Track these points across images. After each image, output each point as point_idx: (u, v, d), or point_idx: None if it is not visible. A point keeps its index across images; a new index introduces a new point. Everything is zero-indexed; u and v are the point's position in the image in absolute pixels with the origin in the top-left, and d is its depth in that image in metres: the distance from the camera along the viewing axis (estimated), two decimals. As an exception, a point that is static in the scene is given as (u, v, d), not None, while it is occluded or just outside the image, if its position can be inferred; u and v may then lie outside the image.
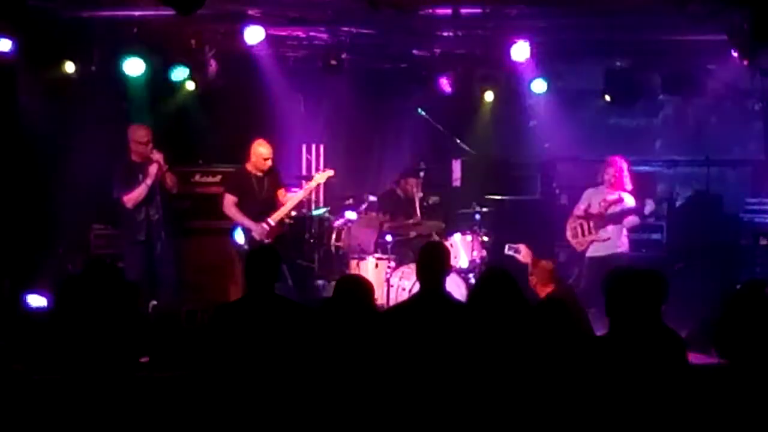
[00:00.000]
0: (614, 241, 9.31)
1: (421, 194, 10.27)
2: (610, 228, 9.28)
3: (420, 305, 5.38)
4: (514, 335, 4.75)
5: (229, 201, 9.09)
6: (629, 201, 9.31)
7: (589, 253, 9.39)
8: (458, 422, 4.68)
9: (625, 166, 9.38)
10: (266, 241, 8.95)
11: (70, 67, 9.62)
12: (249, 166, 9.12)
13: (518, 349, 4.73)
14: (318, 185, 9.94)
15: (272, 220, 9.08)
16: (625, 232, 9.38)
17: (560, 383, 4.66)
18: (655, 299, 4.70)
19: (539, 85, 10.97)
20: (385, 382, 4.98)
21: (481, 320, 4.78)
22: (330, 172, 9.57)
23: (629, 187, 9.36)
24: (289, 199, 9.32)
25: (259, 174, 9.10)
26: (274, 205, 9.21)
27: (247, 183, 9.10)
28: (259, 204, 9.11)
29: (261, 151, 9.08)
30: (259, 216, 9.04)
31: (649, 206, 9.27)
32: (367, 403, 4.94)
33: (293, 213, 9.84)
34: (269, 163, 9.13)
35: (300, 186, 9.77)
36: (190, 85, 10.57)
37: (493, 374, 4.70)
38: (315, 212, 10.91)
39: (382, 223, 10.25)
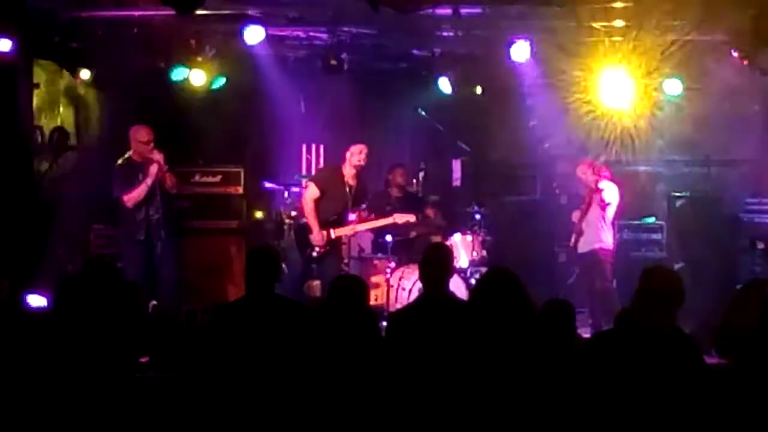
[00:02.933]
0: (592, 235, 9.41)
1: (412, 186, 10.21)
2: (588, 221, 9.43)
3: (424, 307, 5.37)
4: (517, 335, 4.73)
5: (312, 194, 9.01)
6: (607, 194, 9.42)
7: (578, 250, 9.61)
8: (459, 422, 4.68)
9: (585, 166, 9.60)
10: (318, 249, 8.93)
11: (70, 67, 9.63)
12: (345, 171, 9.07)
13: (522, 349, 4.71)
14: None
15: (335, 233, 9.05)
16: (604, 227, 9.44)
17: (562, 384, 4.65)
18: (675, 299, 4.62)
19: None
20: (386, 383, 4.98)
21: (484, 320, 4.77)
22: (411, 218, 9.34)
23: (602, 183, 9.45)
24: (361, 224, 9.25)
25: (352, 184, 9.07)
26: (343, 217, 9.18)
27: (340, 187, 9.06)
28: (337, 212, 9.08)
29: (357, 150, 9.04)
30: (328, 223, 9.02)
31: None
32: (366, 402, 4.94)
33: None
34: (362, 162, 9.06)
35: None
36: (190, 85, 10.57)
37: (497, 375, 4.68)
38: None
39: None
